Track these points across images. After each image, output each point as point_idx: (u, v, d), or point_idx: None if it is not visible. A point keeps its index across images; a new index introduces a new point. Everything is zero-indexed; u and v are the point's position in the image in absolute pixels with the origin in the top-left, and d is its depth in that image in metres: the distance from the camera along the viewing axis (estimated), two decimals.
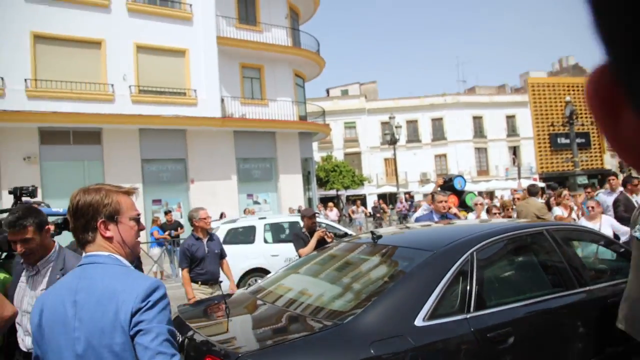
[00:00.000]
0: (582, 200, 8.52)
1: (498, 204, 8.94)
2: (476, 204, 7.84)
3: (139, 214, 1.83)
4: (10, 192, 3.42)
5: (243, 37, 20.30)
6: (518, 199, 10.21)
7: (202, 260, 5.35)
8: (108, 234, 1.70)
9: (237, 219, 10.42)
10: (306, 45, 23.17)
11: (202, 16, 18.68)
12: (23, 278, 2.74)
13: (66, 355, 1.58)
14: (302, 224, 6.50)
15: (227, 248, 8.45)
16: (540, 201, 8.51)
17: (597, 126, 0.30)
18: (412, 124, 40.97)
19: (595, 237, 4.34)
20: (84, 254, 1.72)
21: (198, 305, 3.84)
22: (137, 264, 4.28)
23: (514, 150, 41.81)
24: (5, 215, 3.23)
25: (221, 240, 8.73)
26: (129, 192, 1.82)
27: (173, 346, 1.57)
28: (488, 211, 7.47)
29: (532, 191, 7.98)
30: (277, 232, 9.77)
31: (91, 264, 1.68)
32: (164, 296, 1.62)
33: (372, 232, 3.81)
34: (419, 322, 2.62)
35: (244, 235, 9.29)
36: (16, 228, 2.61)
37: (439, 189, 8.72)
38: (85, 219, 1.70)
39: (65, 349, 1.58)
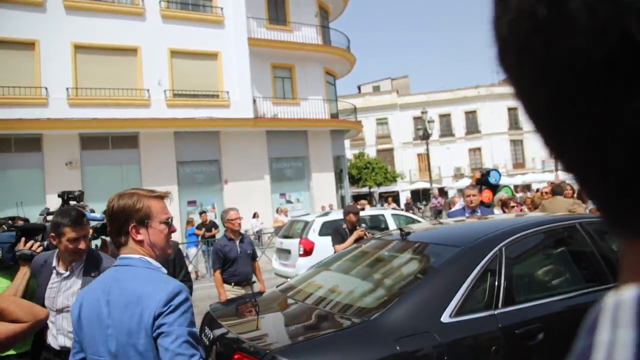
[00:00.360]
0: None
1: (526, 198, 8.80)
2: (500, 200, 7.70)
3: (168, 218, 1.93)
4: (59, 196, 3.61)
5: (274, 38, 20.48)
6: (546, 192, 9.85)
7: (234, 261, 5.32)
8: (139, 237, 1.82)
9: (329, 212, 11.34)
10: (336, 43, 23.17)
11: (233, 19, 18.96)
12: (55, 278, 2.85)
13: (101, 348, 1.73)
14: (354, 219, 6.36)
15: (322, 239, 8.87)
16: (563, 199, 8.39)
17: None
18: (445, 118, 40.37)
19: None
20: (119, 256, 1.86)
21: (229, 303, 3.94)
22: (181, 261, 4.29)
23: None
24: (51, 217, 3.41)
25: (316, 233, 8.96)
26: (161, 196, 1.93)
27: (193, 347, 1.67)
28: (505, 205, 7.26)
29: (557, 191, 7.91)
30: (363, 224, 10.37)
31: (124, 266, 1.81)
32: (186, 300, 1.72)
33: (401, 229, 3.82)
34: (445, 318, 2.63)
35: (337, 227, 9.77)
36: (84, 224, 2.78)
37: (474, 183, 8.67)
38: (119, 224, 1.83)
39: (100, 343, 1.74)
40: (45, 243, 3.11)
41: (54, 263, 2.87)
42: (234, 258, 5.33)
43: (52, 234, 2.75)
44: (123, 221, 1.82)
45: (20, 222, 3.35)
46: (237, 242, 5.44)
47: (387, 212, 11.30)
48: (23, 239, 3.03)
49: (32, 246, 3.03)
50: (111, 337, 1.70)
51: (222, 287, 5.28)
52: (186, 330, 1.67)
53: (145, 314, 1.66)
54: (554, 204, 7.22)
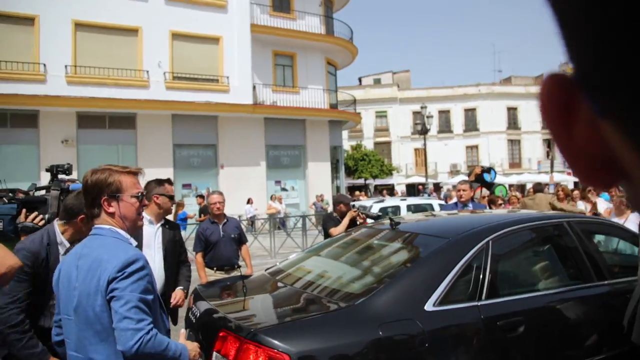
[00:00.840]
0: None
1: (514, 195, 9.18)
2: (484, 197, 7.89)
3: (139, 192, 2.06)
4: (47, 170, 3.60)
5: (276, 25, 20.39)
6: (529, 192, 10.37)
7: (215, 245, 5.14)
8: (111, 210, 1.97)
9: (384, 199, 13.15)
10: (339, 33, 23.08)
11: (236, 4, 18.84)
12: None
13: (69, 307, 1.90)
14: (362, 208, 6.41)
15: None
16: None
17: (549, 133, 0.30)
18: (444, 114, 40.34)
19: (620, 232, 4.25)
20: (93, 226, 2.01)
21: (217, 284, 3.99)
22: (183, 244, 4.29)
23: (549, 143, 40.71)
24: (43, 192, 3.41)
25: None
26: (133, 172, 2.08)
27: (144, 312, 1.80)
28: (493, 202, 7.38)
29: (537, 189, 8.71)
30: (416, 211, 11.37)
31: (94, 235, 1.97)
32: (141, 269, 1.86)
33: (391, 219, 3.86)
34: (429, 307, 2.67)
35: (393, 214, 10.76)
36: None
37: (474, 178, 8.90)
38: (92, 196, 1.98)
39: (68, 302, 1.90)
40: (47, 216, 3.08)
41: (65, 242, 2.75)
42: (216, 242, 5.15)
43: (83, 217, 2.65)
44: (96, 194, 1.96)
45: (21, 195, 3.34)
46: (221, 225, 5.25)
47: (435, 202, 12.48)
48: (24, 211, 3.03)
49: (34, 219, 3.02)
50: (75, 297, 1.85)
51: (202, 270, 5.13)
52: (137, 297, 1.80)
53: (102, 278, 1.80)
54: (535, 201, 7.82)
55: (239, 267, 5.12)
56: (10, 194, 3.18)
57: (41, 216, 3.04)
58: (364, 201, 14.08)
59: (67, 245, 2.76)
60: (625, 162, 0.25)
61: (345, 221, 5.80)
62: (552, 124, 0.29)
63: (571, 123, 0.27)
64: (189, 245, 5.06)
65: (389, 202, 12.44)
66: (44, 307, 2.66)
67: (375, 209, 10.56)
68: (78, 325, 1.86)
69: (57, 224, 2.81)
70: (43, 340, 2.48)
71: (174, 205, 4.29)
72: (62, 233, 2.79)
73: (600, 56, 0.24)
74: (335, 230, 5.67)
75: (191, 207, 16.05)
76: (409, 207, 11.67)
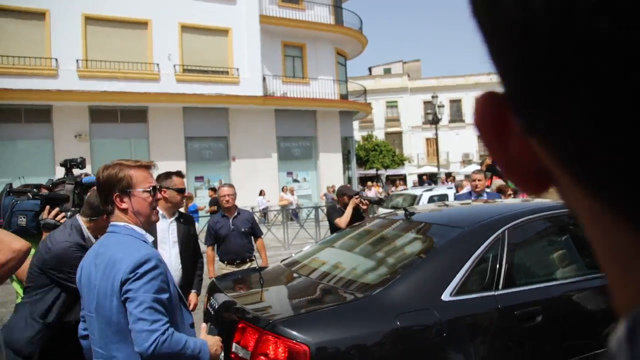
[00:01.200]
0: None
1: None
2: (497, 187, 7.80)
3: (151, 186, 2.03)
4: (61, 165, 3.61)
5: (285, 16, 20.29)
6: None
7: (225, 238, 5.04)
8: (123, 205, 1.96)
9: (432, 187, 13.86)
10: (349, 23, 22.92)
11: None
12: None
13: (91, 304, 1.90)
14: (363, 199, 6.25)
15: None
16: None
17: (486, 148, 0.31)
18: (456, 104, 40.03)
19: None
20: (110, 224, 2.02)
21: (234, 276, 4.02)
22: (196, 238, 4.28)
23: None
24: (62, 187, 3.43)
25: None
26: (145, 166, 2.06)
27: (158, 312, 1.79)
28: (502, 191, 7.19)
29: None
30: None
31: (110, 233, 1.97)
32: (154, 268, 1.83)
33: (405, 209, 3.85)
34: (446, 297, 2.67)
35: (440, 200, 11.24)
36: None
37: (485, 168, 8.83)
38: (105, 193, 1.97)
39: (90, 300, 1.90)
40: (69, 214, 3.06)
41: (92, 238, 2.75)
42: (225, 235, 5.05)
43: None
44: (108, 190, 1.96)
45: (45, 191, 3.30)
46: (231, 219, 5.12)
47: None
48: (48, 207, 3.03)
49: (56, 215, 3.01)
50: (95, 296, 1.86)
51: (211, 264, 5.07)
52: (151, 297, 1.78)
53: (116, 279, 1.80)
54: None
55: (252, 260, 5.05)
56: (34, 190, 3.19)
57: (63, 213, 3.05)
58: (413, 190, 14.84)
59: (94, 241, 2.78)
60: (552, 172, 0.27)
61: (349, 210, 5.75)
62: (486, 138, 0.30)
63: (504, 137, 0.29)
64: (201, 238, 5.06)
65: (438, 190, 12.82)
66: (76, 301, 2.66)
67: (425, 197, 10.92)
68: (99, 324, 1.87)
69: (81, 220, 2.78)
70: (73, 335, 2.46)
71: (184, 199, 4.28)
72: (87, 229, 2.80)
73: (524, 79, 0.24)
74: (340, 221, 5.62)
75: (204, 199, 16.14)
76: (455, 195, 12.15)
